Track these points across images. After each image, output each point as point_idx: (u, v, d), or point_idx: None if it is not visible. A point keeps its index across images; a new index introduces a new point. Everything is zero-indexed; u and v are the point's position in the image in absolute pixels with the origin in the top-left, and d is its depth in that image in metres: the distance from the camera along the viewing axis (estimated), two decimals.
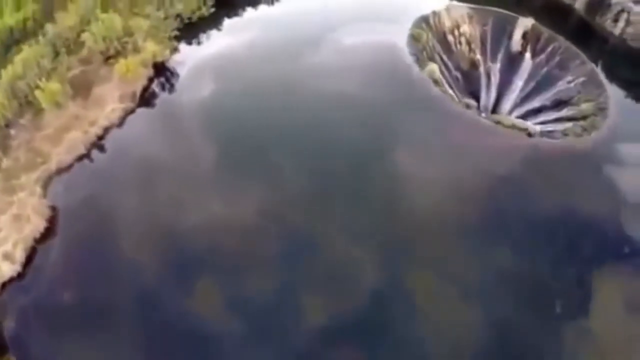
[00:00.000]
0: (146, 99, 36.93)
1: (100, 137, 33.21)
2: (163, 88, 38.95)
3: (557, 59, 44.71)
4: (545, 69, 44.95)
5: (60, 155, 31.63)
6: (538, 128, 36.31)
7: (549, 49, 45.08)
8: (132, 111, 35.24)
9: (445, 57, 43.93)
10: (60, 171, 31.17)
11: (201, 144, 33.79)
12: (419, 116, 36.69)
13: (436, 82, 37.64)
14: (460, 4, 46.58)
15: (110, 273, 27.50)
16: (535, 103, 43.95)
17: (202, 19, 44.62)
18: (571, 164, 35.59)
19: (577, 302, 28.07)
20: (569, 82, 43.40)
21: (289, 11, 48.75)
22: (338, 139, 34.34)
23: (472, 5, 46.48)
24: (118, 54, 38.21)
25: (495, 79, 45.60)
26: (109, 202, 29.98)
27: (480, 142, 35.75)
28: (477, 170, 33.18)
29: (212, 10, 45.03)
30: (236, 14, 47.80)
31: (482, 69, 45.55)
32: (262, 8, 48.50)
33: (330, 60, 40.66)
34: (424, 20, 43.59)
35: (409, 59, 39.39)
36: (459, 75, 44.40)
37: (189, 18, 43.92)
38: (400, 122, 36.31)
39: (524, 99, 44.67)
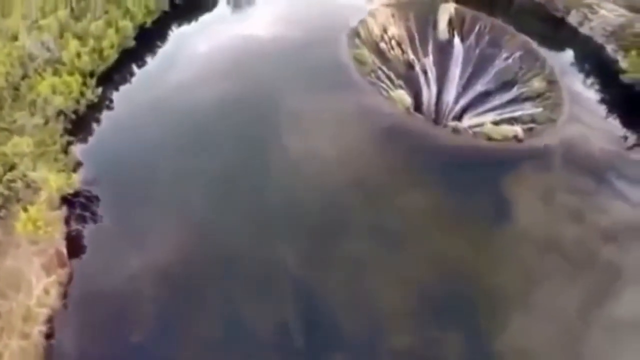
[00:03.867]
0: (75, 250, 27.46)
1: (50, 335, 23.75)
2: (84, 220, 29.47)
3: (486, 37, 42.99)
4: (477, 51, 43.08)
5: None
6: (519, 129, 34.03)
7: (476, 29, 43.14)
8: (70, 279, 25.84)
9: (385, 69, 39.66)
10: None
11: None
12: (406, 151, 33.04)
13: (408, 110, 33.43)
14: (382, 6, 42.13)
15: None
16: (478, 87, 42.11)
17: (91, 106, 34.59)
18: None
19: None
20: (506, 59, 42.09)
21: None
22: None
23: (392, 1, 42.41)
24: (7, 201, 27.80)
25: (432, 74, 42.66)
26: None
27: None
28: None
29: (99, 90, 35.05)
30: (125, 80, 38.28)
31: (418, 68, 42.24)
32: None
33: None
34: (356, 34, 38.49)
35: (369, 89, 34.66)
36: (401, 82, 40.59)
37: (75, 111, 33.67)
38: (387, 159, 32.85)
39: (466, 85, 42.60)
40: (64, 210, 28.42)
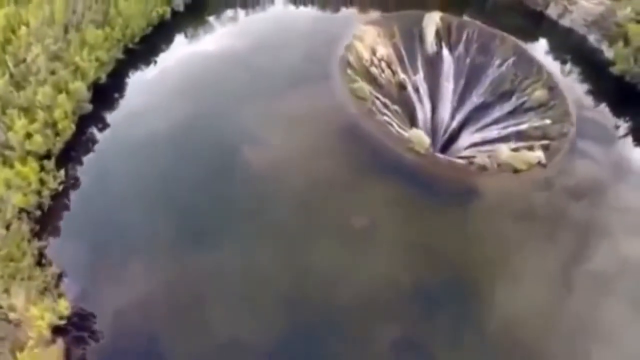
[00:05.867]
0: None
1: None
2: (84, 341, 24.43)
3: (475, 45, 40.27)
4: (468, 60, 40.36)
5: None
6: (541, 154, 31.74)
7: (464, 37, 40.29)
8: None
9: (380, 97, 36.14)
10: None
11: None
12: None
13: (427, 150, 30.40)
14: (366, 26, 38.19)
15: None
16: (474, 100, 39.73)
17: (56, 195, 28.90)
18: None
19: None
20: (499, 66, 39.66)
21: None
22: None
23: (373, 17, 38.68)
24: None
25: (424, 91, 39.70)
26: None
27: None
28: None
29: (62, 173, 29.26)
30: (88, 150, 32.41)
31: (410, 87, 39.04)
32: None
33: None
34: (347, 63, 34.58)
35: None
36: (397, 107, 37.28)
37: (39, 206, 27.96)
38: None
39: (460, 100, 40.10)
40: (59, 342, 23.30)
